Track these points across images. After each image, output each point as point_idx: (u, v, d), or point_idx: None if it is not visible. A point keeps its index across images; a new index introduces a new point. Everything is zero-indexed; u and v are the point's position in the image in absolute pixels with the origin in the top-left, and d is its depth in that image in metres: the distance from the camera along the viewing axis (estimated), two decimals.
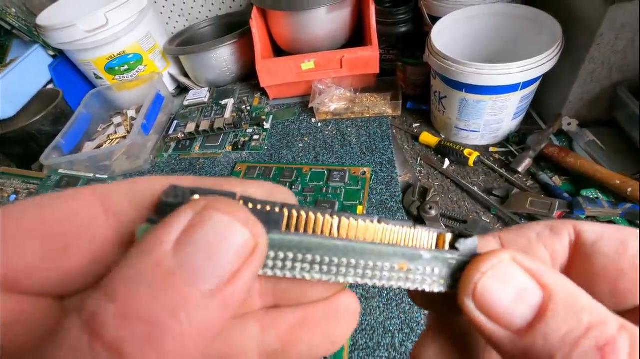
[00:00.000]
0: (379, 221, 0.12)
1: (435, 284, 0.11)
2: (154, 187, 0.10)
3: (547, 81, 0.51)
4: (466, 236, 0.12)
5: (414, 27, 0.66)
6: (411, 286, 0.11)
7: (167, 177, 0.10)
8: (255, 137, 0.66)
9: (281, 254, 0.10)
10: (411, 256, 0.11)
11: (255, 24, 0.67)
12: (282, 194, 0.12)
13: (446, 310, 0.13)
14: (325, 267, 0.11)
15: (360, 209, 0.50)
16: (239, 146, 0.65)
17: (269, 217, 0.11)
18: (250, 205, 0.11)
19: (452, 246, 0.12)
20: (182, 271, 0.07)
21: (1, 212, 0.08)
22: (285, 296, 0.12)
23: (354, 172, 0.55)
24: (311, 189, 0.54)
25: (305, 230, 0.11)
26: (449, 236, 0.12)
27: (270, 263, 0.10)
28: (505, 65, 0.46)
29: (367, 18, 0.64)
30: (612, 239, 0.10)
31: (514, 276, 0.09)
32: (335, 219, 0.11)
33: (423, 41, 0.57)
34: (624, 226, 0.12)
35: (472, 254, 0.11)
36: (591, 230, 0.11)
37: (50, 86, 0.77)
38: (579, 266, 0.11)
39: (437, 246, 0.12)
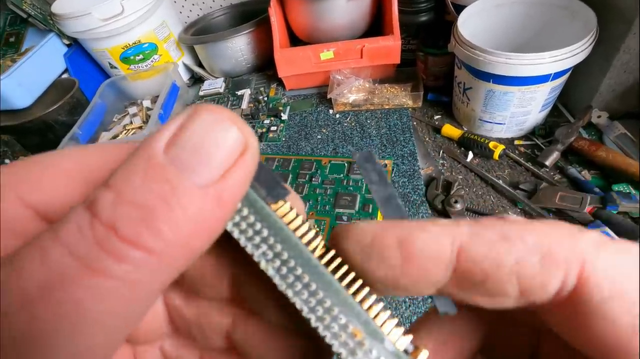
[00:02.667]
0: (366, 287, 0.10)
1: None
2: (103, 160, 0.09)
3: (576, 72, 0.49)
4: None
5: (436, 16, 0.64)
6: None
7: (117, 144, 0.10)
8: (273, 128, 0.65)
9: (257, 225, 0.10)
10: (373, 332, 0.10)
11: (274, 12, 0.65)
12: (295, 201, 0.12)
13: None
14: (284, 269, 0.10)
15: None
16: (257, 137, 0.64)
17: (274, 187, 0.10)
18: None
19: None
20: (172, 164, 0.08)
21: (41, 156, 0.09)
22: (246, 297, 0.12)
23: None
24: (331, 181, 0.54)
25: (294, 230, 0.10)
26: (425, 354, 0.10)
27: (243, 225, 0.10)
28: (537, 55, 0.44)
29: (389, 6, 0.62)
30: (632, 304, 0.08)
31: None
32: (323, 244, 0.10)
33: (445, 31, 0.55)
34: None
35: None
36: (605, 276, 0.08)
37: (65, 75, 0.76)
38: (565, 315, 0.08)
39: (407, 353, 0.10)
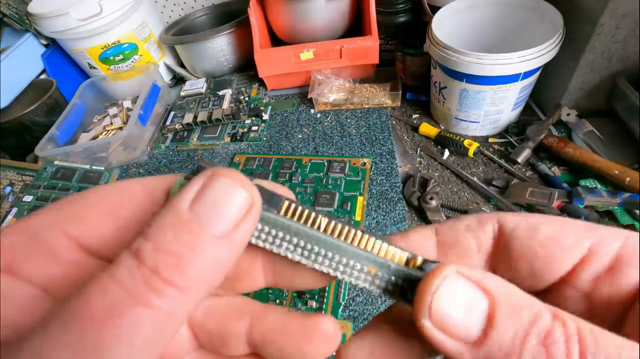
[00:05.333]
0: (363, 232, 0.13)
1: (396, 295, 0.13)
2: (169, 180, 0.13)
3: (546, 71, 0.51)
4: (433, 262, 0.13)
5: (414, 17, 0.65)
6: (375, 290, 0.13)
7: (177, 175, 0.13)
8: (254, 128, 0.65)
9: (273, 232, 0.12)
10: (381, 264, 0.13)
11: (254, 12, 0.66)
12: (285, 193, 0.14)
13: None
14: (305, 252, 0.13)
15: (360, 200, 0.50)
16: (238, 137, 0.64)
17: (271, 199, 0.13)
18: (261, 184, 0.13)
19: (420, 267, 0.13)
20: (196, 220, 0.10)
21: (83, 194, 0.12)
22: (281, 276, 0.14)
23: (354, 163, 0.55)
24: (311, 180, 0.54)
25: (299, 220, 0.13)
26: (419, 259, 0.13)
27: (263, 236, 0.12)
28: (506, 55, 0.46)
29: (367, 7, 0.63)
30: (526, 226, 0.12)
31: (461, 289, 0.10)
32: (325, 219, 0.13)
33: (423, 31, 0.56)
34: (542, 215, 0.12)
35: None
36: (510, 219, 0.12)
37: (43, 76, 0.75)
38: (502, 252, 0.12)
39: (407, 264, 0.13)
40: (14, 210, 0.54)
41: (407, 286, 0.12)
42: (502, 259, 0.12)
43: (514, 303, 0.10)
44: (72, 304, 0.09)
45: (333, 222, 0.13)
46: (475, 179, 0.51)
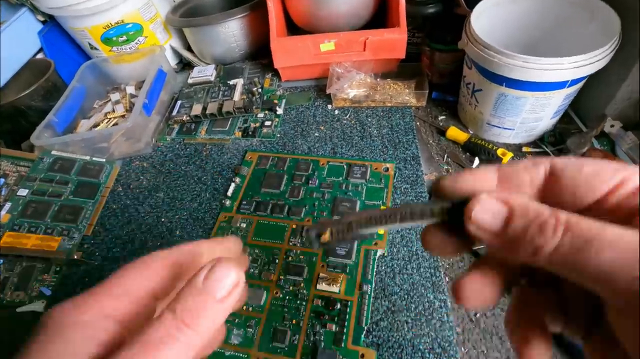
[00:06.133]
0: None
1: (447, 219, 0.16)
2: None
3: (591, 78, 0.47)
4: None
5: (445, 8, 0.60)
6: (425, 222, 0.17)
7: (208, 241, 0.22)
8: (267, 123, 0.61)
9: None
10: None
11: None
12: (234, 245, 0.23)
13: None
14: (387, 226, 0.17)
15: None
16: (249, 132, 0.60)
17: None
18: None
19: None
20: (206, 290, 0.16)
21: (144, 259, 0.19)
22: None
23: (376, 168, 0.51)
24: (329, 184, 0.50)
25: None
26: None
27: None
28: (556, 59, 0.41)
29: None
30: (573, 165, 0.15)
31: (489, 204, 0.14)
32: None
33: (454, 24, 0.52)
34: (586, 158, 0.14)
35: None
36: (560, 161, 0.15)
37: (40, 56, 0.70)
38: (552, 185, 0.15)
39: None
40: (8, 205, 0.50)
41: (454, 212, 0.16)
42: (551, 189, 0.15)
43: (526, 209, 0.14)
44: (138, 337, 0.14)
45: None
46: None
